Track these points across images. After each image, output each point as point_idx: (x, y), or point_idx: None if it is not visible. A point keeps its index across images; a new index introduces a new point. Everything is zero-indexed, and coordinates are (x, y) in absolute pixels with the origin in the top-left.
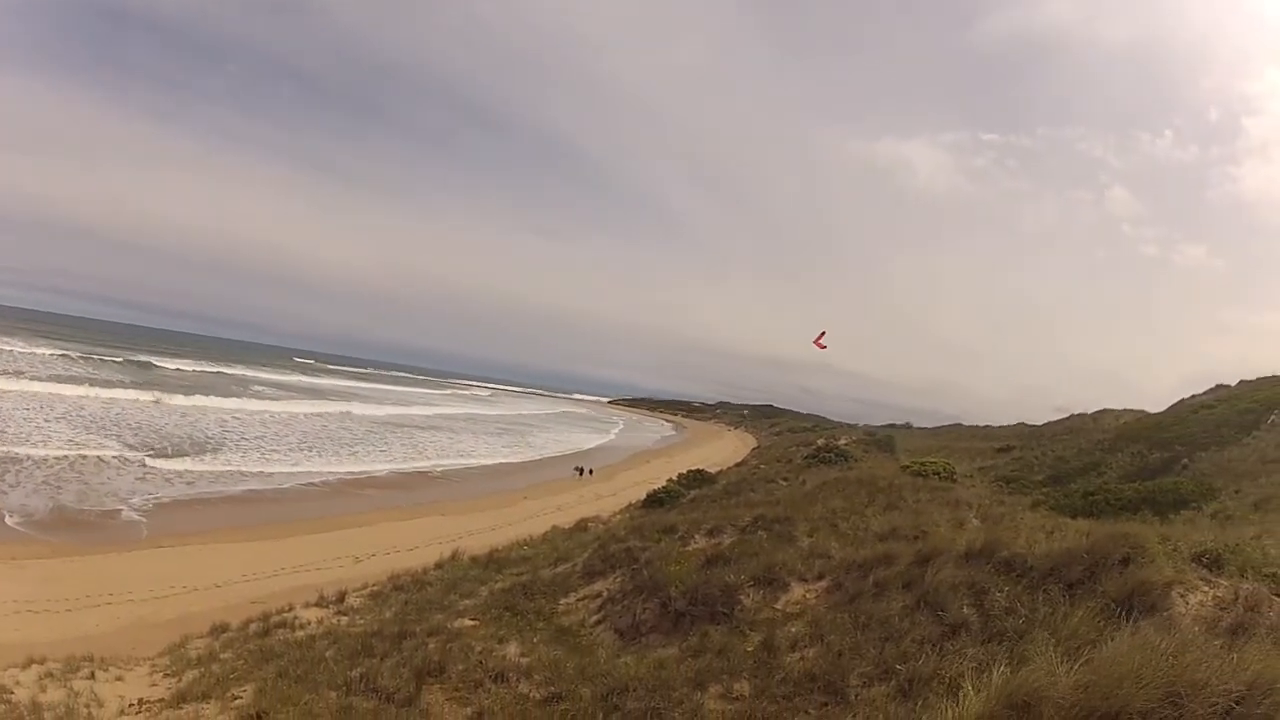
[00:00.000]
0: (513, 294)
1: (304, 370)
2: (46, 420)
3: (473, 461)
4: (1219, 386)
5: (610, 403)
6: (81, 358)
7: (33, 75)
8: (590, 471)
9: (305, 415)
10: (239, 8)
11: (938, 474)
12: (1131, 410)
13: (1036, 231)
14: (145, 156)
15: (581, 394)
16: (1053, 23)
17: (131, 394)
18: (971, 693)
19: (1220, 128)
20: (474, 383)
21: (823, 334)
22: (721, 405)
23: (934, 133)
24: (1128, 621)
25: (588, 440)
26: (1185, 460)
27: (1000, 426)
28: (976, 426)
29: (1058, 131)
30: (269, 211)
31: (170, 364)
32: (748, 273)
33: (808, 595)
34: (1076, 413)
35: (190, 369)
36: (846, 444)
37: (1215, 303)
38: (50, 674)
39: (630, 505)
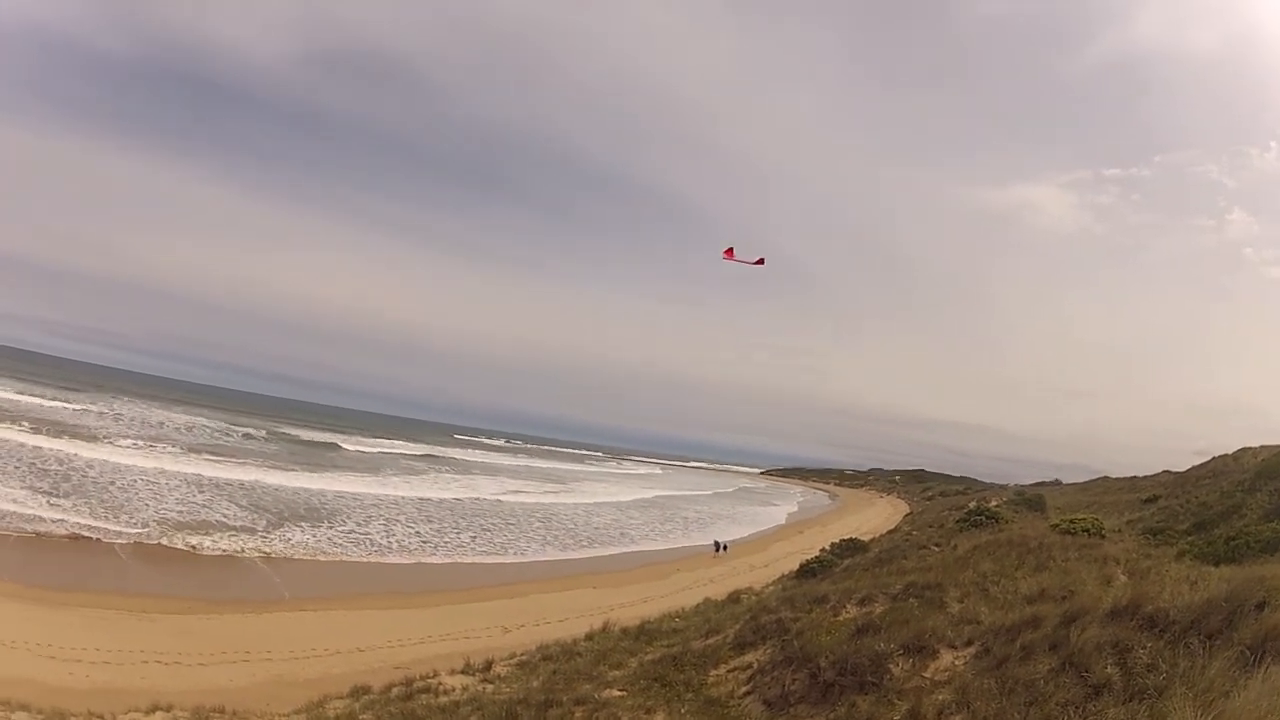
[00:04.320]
0: (652, 361)
1: (468, 445)
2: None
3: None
4: None
5: (763, 473)
6: (266, 438)
7: (161, 156)
8: (726, 547)
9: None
10: (358, 88)
11: (1086, 531)
12: (1269, 445)
13: (1163, 265)
14: (277, 234)
15: (735, 465)
16: (1144, 37)
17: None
18: None
19: None
20: (641, 458)
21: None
22: (874, 471)
23: (1056, 172)
24: (1259, 668)
25: (748, 514)
26: None
27: (1145, 477)
28: (1123, 478)
29: (1172, 157)
30: (402, 286)
31: (350, 445)
32: (878, 327)
33: (956, 662)
34: (1217, 455)
35: (371, 450)
36: (997, 505)
37: None
38: None
39: (784, 576)
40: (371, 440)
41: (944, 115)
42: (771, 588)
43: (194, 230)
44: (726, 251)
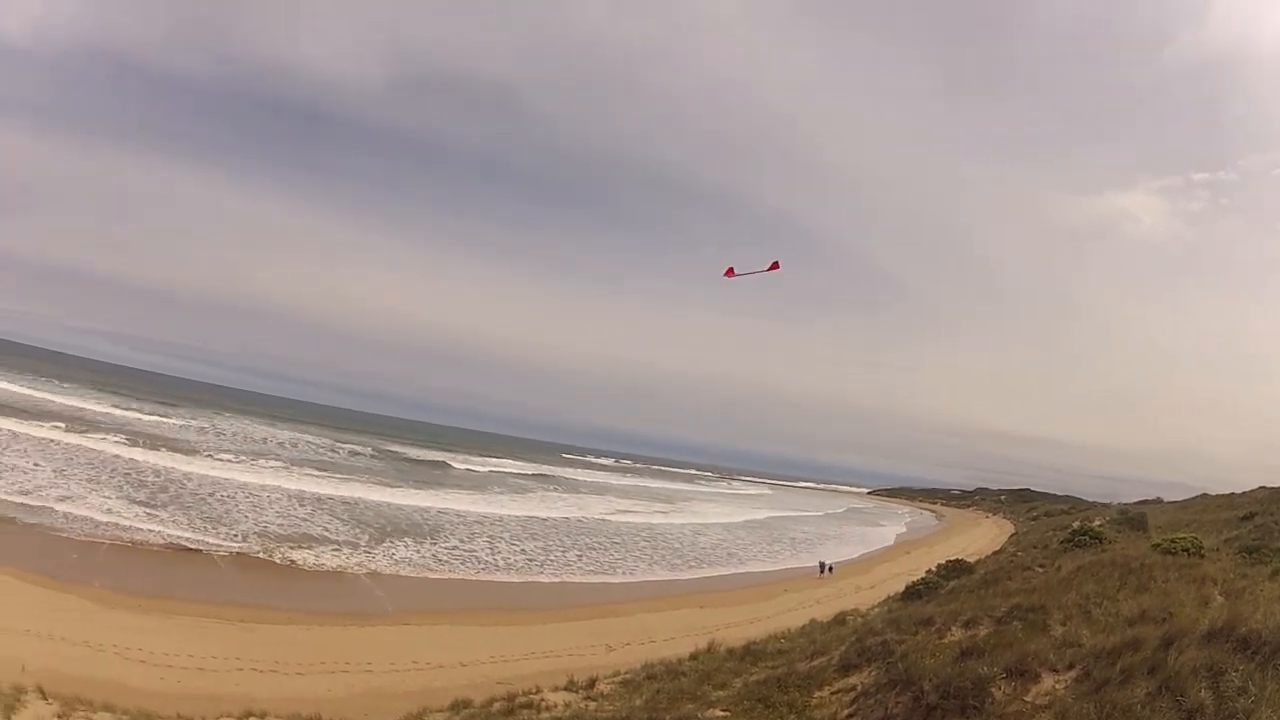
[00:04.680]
0: (755, 380)
1: (577, 465)
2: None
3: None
4: None
5: (870, 493)
6: (373, 455)
7: (254, 180)
8: (831, 568)
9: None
10: (453, 111)
11: (1186, 550)
12: None
13: (1257, 272)
14: (380, 256)
15: (842, 485)
16: (1221, 29)
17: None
18: None
19: None
20: (750, 478)
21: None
22: (979, 491)
23: (1149, 178)
24: None
25: (856, 535)
26: None
27: (1242, 493)
28: (1221, 495)
29: (1260, 158)
30: (508, 307)
31: (458, 464)
32: (973, 341)
33: (1057, 686)
34: None
35: (481, 469)
36: (1100, 525)
37: None
38: None
39: (889, 597)
40: (480, 459)
41: (1028, 123)
42: (877, 609)
43: (296, 252)
44: (727, 271)
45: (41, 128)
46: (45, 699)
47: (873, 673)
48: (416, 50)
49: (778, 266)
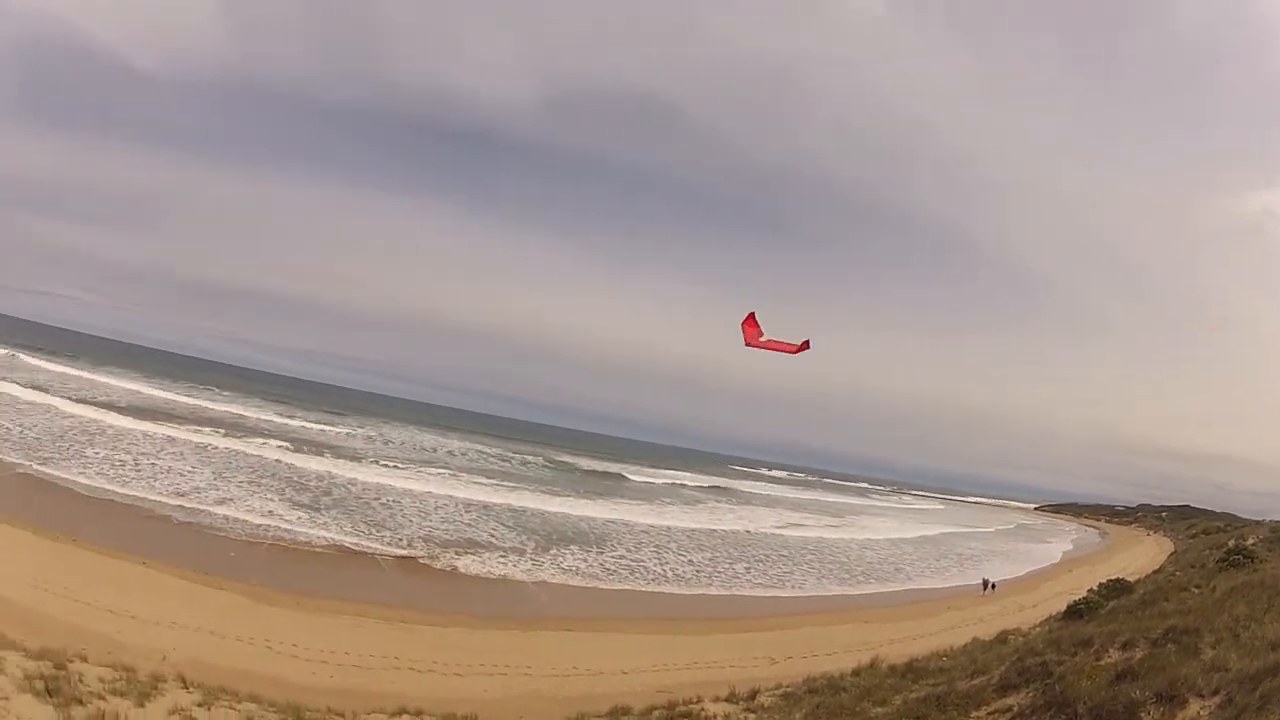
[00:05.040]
0: (924, 395)
1: (748, 477)
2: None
3: None
4: None
5: (1037, 509)
6: (544, 465)
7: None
8: (994, 585)
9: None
10: (610, 129)
11: None
12: None
13: None
14: (545, 271)
15: (1011, 500)
16: None
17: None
18: None
19: None
20: (921, 492)
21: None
22: (1141, 508)
23: None
24: None
25: (1022, 552)
26: None
27: None
28: None
29: None
30: (683, 322)
31: (634, 475)
32: (1131, 352)
33: (1201, 712)
34: None
35: (657, 481)
36: (1253, 544)
37: None
38: None
39: (1051, 616)
40: (655, 471)
41: (1176, 124)
42: (1038, 629)
43: (462, 269)
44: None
45: (207, 154)
46: (187, 688)
47: (1030, 694)
48: (569, 69)
49: (808, 347)
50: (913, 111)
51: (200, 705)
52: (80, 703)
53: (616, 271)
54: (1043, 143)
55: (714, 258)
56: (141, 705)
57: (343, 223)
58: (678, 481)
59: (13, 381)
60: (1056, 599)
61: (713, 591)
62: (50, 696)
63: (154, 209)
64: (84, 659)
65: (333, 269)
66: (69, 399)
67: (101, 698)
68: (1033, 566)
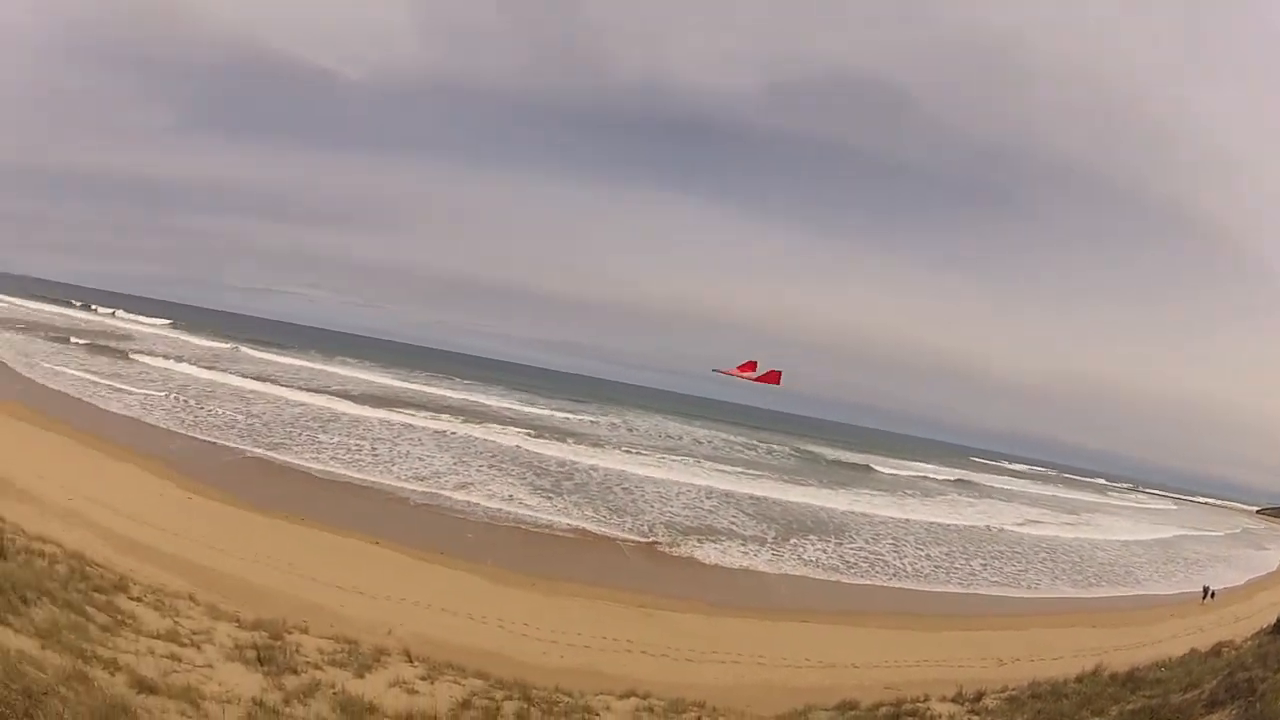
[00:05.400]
0: (1168, 391)
1: (989, 470)
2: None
3: None
4: None
5: (1259, 511)
6: (790, 454)
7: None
8: (1214, 594)
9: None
10: (834, 114)
11: None
12: None
13: None
14: (791, 262)
15: (1230, 502)
16: None
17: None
18: None
19: None
20: (1155, 490)
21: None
22: None
23: None
24: None
25: (1241, 558)
26: None
27: None
28: None
29: None
30: (948, 315)
31: (883, 467)
32: None
33: None
34: None
35: (904, 473)
36: None
37: None
38: (650, 709)
39: (1261, 629)
40: (899, 462)
41: None
42: (1250, 642)
43: (703, 259)
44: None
45: (428, 155)
46: (411, 662)
47: (1233, 711)
48: (790, 55)
49: (777, 379)
50: (1130, 87)
51: (424, 679)
52: (294, 672)
53: (853, 257)
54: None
55: (940, 241)
56: (361, 676)
57: (569, 217)
58: (922, 474)
59: (236, 373)
60: (1271, 610)
61: (949, 589)
62: (261, 665)
63: (395, 209)
64: (304, 631)
65: (572, 262)
66: (298, 388)
67: (319, 668)
68: (1252, 574)
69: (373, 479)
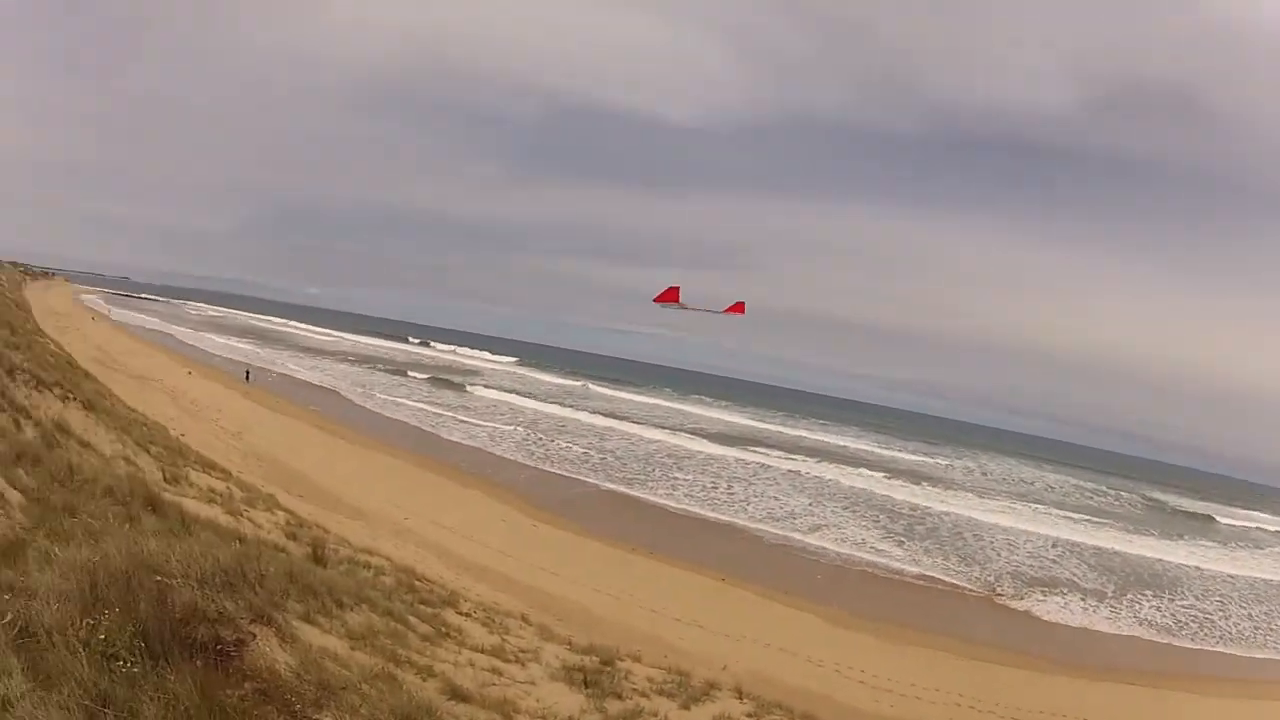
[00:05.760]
0: None
1: None
2: None
3: None
4: None
5: None
6: (1136, 502)
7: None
8: None
9: None
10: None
11: None
12: None
13: None
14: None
15: None
16: None
17: None
18: None
19: None
20: None
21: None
22: None
23: None
24: None
25: None
26: None
27: None
28: None
29: None
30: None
31: (1224, 518)
32: None
33: None
34: None
35: (1241, 524)
36: None
37: None
38: None
39: None
40: (1245, 513)
41: None
42: None
43: (1032, 286)
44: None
45: (771, 191)
46: (740, 698)
47: None
48: (1101, 65)
49: (741, 309)
50: None
51: (750, 715)
52: (619, 697)
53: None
54: None
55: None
56: (687, 708)
57: (904, 248)
58: (1261, 525)
59: (586, 409)
60: None
61: (1272, 656)
62: (585, 688)
63: (747, 250)
64: (636, 659)
65: (920, 297)
66: (651, 425)
67: (645, 695)
68: None
69: (726, 518)
